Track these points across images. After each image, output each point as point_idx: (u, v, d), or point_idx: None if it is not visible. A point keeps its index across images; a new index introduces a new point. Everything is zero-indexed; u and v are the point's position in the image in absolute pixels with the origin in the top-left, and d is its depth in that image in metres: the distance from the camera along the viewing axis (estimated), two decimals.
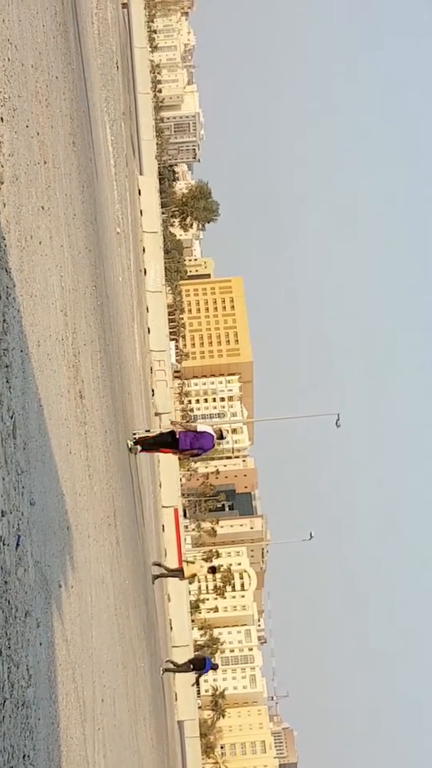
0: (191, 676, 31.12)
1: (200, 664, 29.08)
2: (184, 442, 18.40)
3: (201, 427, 18.81)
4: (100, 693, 9.27)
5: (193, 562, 29.23)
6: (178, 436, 18.55)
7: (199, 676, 30.22)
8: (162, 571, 26.77)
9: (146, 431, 22.56)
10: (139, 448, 19.58)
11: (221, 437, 18.95)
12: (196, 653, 36.10)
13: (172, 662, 29.66)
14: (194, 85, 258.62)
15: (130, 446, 18.11)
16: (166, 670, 28.43)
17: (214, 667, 29.21)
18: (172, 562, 39.33)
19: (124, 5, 38.84)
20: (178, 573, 27.18)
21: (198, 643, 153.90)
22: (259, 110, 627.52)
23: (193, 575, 27.12)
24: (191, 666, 29.20)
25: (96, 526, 10.18)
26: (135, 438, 19.17)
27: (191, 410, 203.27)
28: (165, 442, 18.70)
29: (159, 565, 26.55)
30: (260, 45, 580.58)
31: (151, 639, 22.67)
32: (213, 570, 28.16)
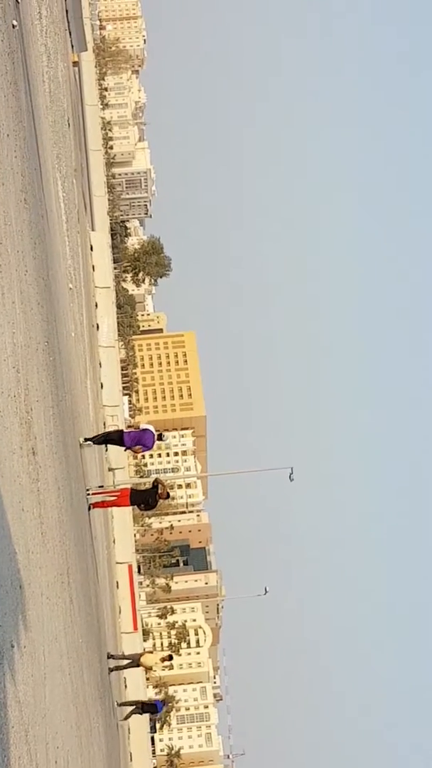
0: (146, 734, 31.27)
1: (151, 709, 30.01)
2: (128, 440, 20.06)
3: (143, 425, 20.71)
4: (54, 754, 9.12)
5: (151, 652, 29.61)
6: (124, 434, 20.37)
7: (153, 720, 31.33)
8: (117, 663, 26.83)
9: (99, 486, 22.64)
10: (90, 502, 19.84)
11: (160, 438, 20.89)
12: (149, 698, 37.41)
13: (122, 704, 30.05)
14: (145, 142, 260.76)
15: (81, 443, 19.22)
16: (122, 704, 29.53)
17: (164, 702, 30.61)
18: (126, 621, 39.05)
19: (75, 63, 39.18)
20: (133, 662, 27.33)
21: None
22: (210, 166, 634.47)
23: (149, 667, 27.68)
24: (142, 709, 29.92)
25: (49, 584, 10.07)
26: (88, 491, 19.62)
27: (145, 465, 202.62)
28: (112, 439, 20.50)
29: (113, 657, 26.35)
30: (211, 102, 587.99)
31: (106, 698, 22.39)
32: (170, 658, 28.72)
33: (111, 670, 25.41)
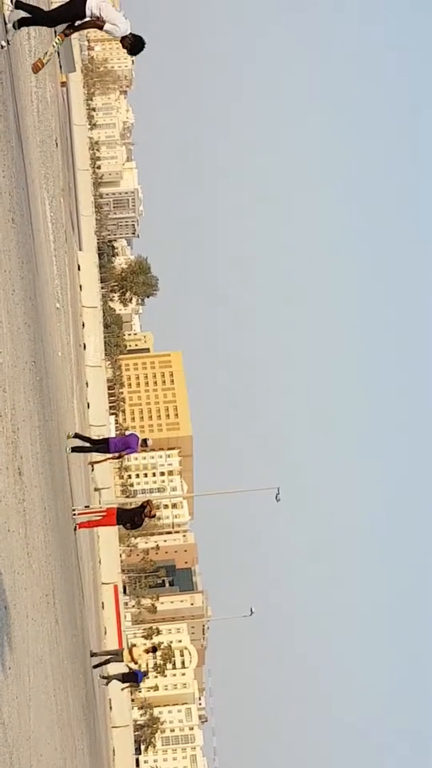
0: (131, 756, 31.34)
1: (132, 678, 30.78)
2: (114, 446, 20.78)
3: (128, 432, 22.09)
4: None
5: (135, 645, 29.81)
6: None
7: (131, 686, 32.27)
8: (100, 659, 27.02)
9: (85, 506, 22.63)
10: (77, 522, 19.89)
11: (145, 444, 21.47)
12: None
13: (104, 677, 30.38)
14: (133, 162, 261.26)
15: (67, 450, 19.72)
16: (102, 676, 30.12)
17: (145, 674, 31.51)
18: (111, 641, 38.88)
19: (63, 84, 39.30)
20: (116, 655, 27.53)
21: (138, 722, 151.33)
22: (198, 186, 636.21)
23: (135, 660, 27.95)
24: (123, 679, 30.65)
25: (34, 605, 10.02)
26: (74, 511, 19.69)
27: (131, 485, 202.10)
28: (99, 447, 21.03)
29: (95, 654, 26.50)
30: (199, 123, 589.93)
31: (91, 719, 22.26)
32: (154, 650, 28.92)
33: (95, 666, 25.80)
